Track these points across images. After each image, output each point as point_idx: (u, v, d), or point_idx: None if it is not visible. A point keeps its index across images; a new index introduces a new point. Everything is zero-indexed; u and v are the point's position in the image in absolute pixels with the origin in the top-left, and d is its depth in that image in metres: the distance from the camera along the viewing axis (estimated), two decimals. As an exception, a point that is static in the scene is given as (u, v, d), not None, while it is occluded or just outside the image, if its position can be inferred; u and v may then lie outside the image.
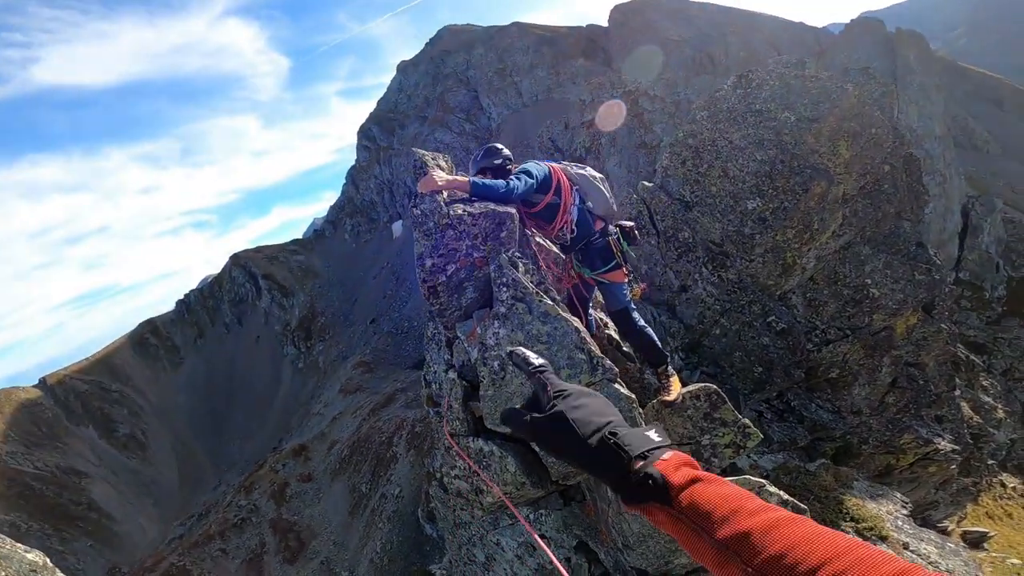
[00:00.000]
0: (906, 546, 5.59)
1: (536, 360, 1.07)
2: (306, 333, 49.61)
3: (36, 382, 50.91)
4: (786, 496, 4.16)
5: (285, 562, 27.41)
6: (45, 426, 45.42)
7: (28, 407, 46.50)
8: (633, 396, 3.39)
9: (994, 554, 11.19)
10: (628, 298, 4.43)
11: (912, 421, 7.72)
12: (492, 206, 4.06)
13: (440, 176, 3.90)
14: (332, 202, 66.89)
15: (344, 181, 63.87)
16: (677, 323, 6.44)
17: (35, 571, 4.04)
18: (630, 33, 46.80)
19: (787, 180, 7.23)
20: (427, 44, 66.06)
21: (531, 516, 4.68)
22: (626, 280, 4.44)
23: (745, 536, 0.69)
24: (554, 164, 4.40)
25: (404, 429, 28.71)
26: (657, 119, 30.88)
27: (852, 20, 32.30)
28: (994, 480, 17.00)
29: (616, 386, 3.34)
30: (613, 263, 4.28)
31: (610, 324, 4.98)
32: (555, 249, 4.75)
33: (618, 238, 4.35)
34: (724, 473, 4.42)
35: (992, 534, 13.44)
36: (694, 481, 0.80)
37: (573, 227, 4.25)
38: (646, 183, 8.70)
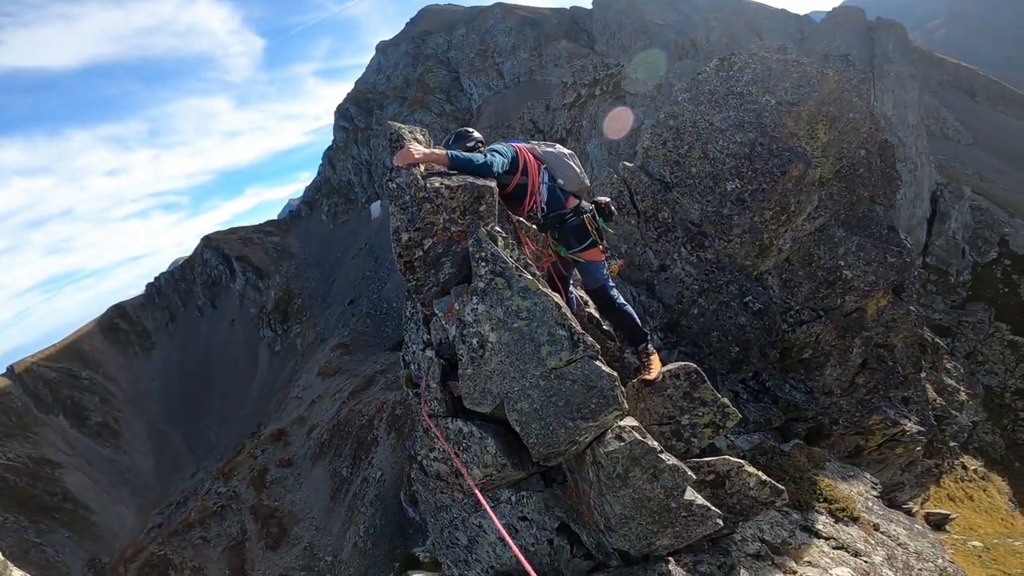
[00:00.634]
0: (876, 527, 5.74)
1: None
2: (283, 315, 48.84)
3: (3, 371, 49.31)
4: (764, 477, 4.22)
5: (268, 548, 27.26)
6: (15, 416, 44.14)
7: (-4, 396, 45.17)
8: (615, 374, 3.37)
9: (955, 536, 11.62)
10: (606, 276, 4.40)
11: (881, 402, 7.93)
12: (470, 179, 3.96)
13: (417, 149, 3.79)
14: (309, 183, 65.52)
15: (321, 161, 62.46)
16: (656, 303, 6.47)
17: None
18: (614, 16, 46.42)
19: (766, 162, 7.26)
20: (407, 24, 64.60)
21: (512, 498, 4.64)
22: (603, 258, 4.40)
23: None
24: (520, 144, 4.35)
25: (384, 412, 28.54)
26: (638, 102, 30.83)
27: (834, 8, 32.55)
28: (956, 462, 17.70)
29: (597, 363, 3.31)
30: (588, 241, 4.24)
31: (590, 303, 4.95)
32: (534, 227, 4.68)
33: (593, 215, 4.30)
34: (703, 453, 4.45)
35: (954, 516, 13.97)
36: None
37: (543, 205, 4.22)
38: (627, 164, 8.65)
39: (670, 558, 3.77)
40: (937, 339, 17.85)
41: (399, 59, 60.36)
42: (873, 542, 5.53)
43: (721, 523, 3.68)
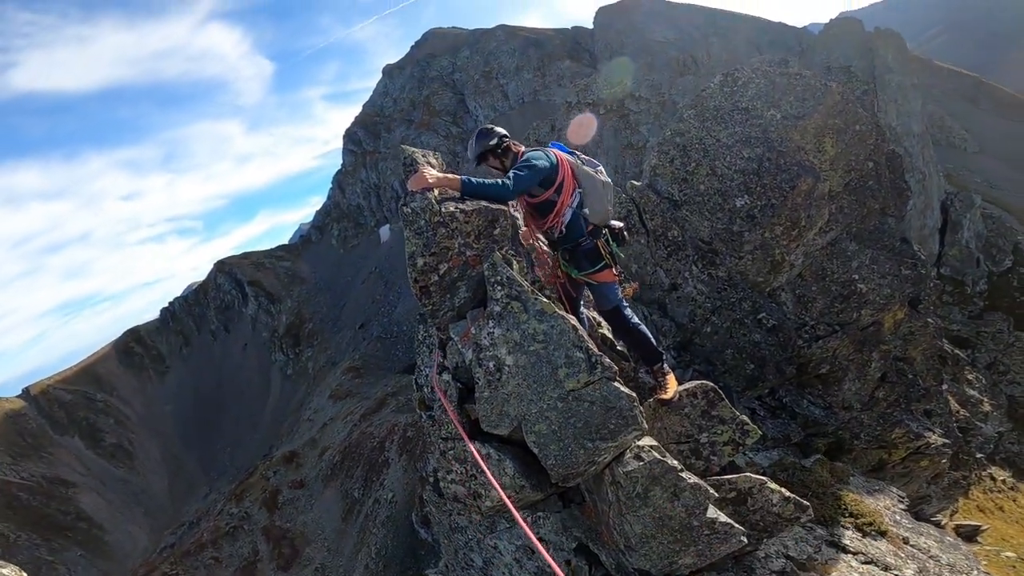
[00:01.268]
0: (906, 541, 5.59)
1: None
2: (294, 339, 49.17)
3: (20, 392, 50.04)
4: (787, 493, 4.14)
5: (279, 569, 27.17)
6: (30, 436, 44.69)
7: (12, 417, 45.73)
8: (633, 394, 3.36)
9: (988, 547, 11.28)
10: (620, 297, 4.33)
11: (903, 415, 7.79)
12: (484, 203, 4.00)
13: (431, 173, 3.84)
14: (318, 207, 66.38)
15: (330, 185, 63.30)
16: (669, 322, 6.45)
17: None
18: (615, 35, 47.12)
19: (774, 177, 7.27)
20: (412, 47, 65.93)
21: (529, 519, 4.61)
22: (616, 280, 4.31)
23: None
24: (564, 154, 4.16)
25: (396, 434, 28.53)
26: (643, 120, 31.07)
27: (831, 20, 32.77)
28: (983, 473, 17.22)
29: (616, 384, 3.30)
30: (601, 264, 4.16)
31: (603, 323, 4.94)
32: (543, 247, 4.67)
33: (607, 239, 4.22)
34: (723, 471, 4.39)
35: (985, 527, 13.55)
36: None
37: (563, 228, 4.13)
38: (635, 182, 8.70)
39: None
40: (957, 350, 17.56)
41: (405, 82, 61.48)
42: (903, 556, 5.38)
43: (745, 540, 3.62)
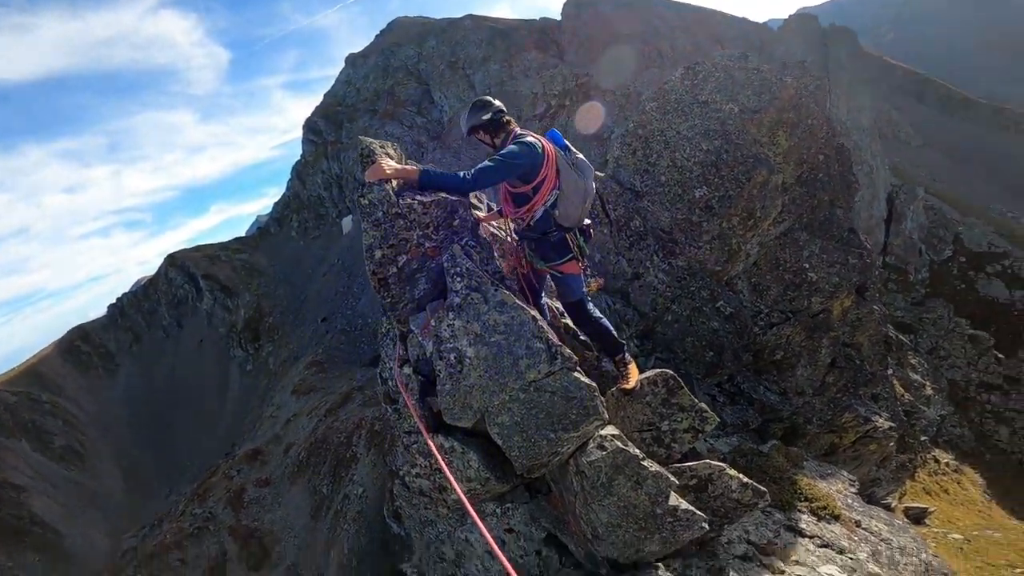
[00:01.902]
0: (858, 524, 5.84)
1: None
2: (253, 334, 47.67)
3: (-42, 396, 47.11)
4: (745, 479, 4.27)
5: (250, 569, 26.38)
6: (-27, 440, 42.14)
7: (-48, 422, 43.05)
8: (594, 384, 3.39)
9: (936, 529, 11.93)
10: (583, 291, 4.28)
11: (851, 400, 8.16)
12: (444, 194, 3.94)
13: (389, 164, 3.75)
14: (276, 199, 64.61)
15: (289, 176, 61.22)
16: (631, 310, 6.56)
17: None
18: (582, 26, 47.17)
19: (732, 169, 7.46)
20: (377, 36, 64.39)
21: (498, 510, 4.59)
22: (581, 272, 4.23)
23: None
24: (554, 149, 3.91)
25: (363, 428, 28.10)
26: (607, 111, 31.32)
27: (789, 16, 33.78)
28: (928, 456, 18.20)
29: (576, 375, 3.32)
30: (568, 256, 4.07)
31: (566, 315, 4.97)
32: (509, 236, 4.60)
33: (575, 233, 4.11)
34: (684, 458, 4.48)
35: (932, 510, 14.30)
36: None
37: (531, 223, 4.01)
38: (599, 173, 8.78)
39: (659, 564, 3.79)
40: (901, 336, 18.48)
41: (369, 71, 60.03)
42: (856, 539, 5.63)
43: (707, 526, 3.72)
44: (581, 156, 4.13)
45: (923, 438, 15.91)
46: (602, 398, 3.48)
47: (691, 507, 3.67)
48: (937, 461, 18.50)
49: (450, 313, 3.57)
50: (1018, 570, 13.05)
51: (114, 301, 58.52)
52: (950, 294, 24.61)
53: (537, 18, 58.81)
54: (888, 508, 8.78)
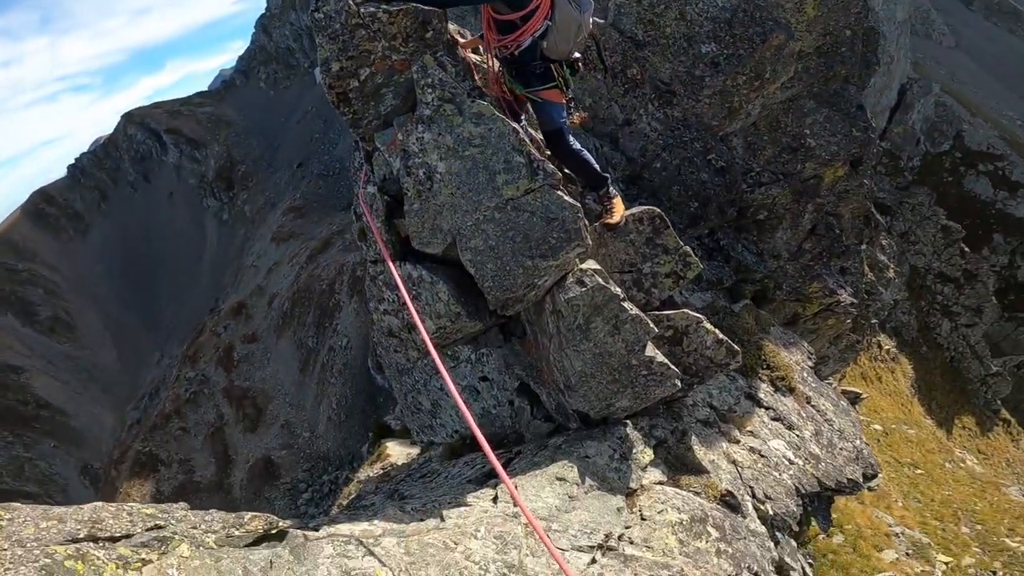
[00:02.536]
0: (808, 400, 6.04)
1: None
2: (227, 183, 46.20)
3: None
4: (721, 335, 4.19)
5: (247, 431, 27.48)
6: (-41, 322, 41.55)
7: (-68, 302, 42.19)
8: (577, 204, 3.15)
9: (862, 417, 12.78)
10: (564, 120, 4.01)
11: (822, 270, 8.29)
12: (416, 3, 3.42)
13: None
14: (241, 53, 60.30)
15: (254, 30, 57.17)
16: (619, 155, 6.25)
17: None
18: None
19: (746, 28, 6.83)
20: None
21: (472, 356, 4.53)
22: (563, 101, 3.94)
23: None
24: None
25: (345, 274, 27.67)
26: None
27: None
28: (873, 340, 19.20)
29: (559, 193, 3.07)
30: (552, 84, 3.77)
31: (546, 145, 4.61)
32: (491, 61, 4.12)
33: (561, 64, 3.79)
34: (663, 306, 4.35)
35: (864, 396, 15.07)
36: None
37: (515, 51, 3.64)
38: (597, 19, 7.90)
39: (627, 421, 3.81)
40: (878, 216, 18.56)
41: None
42: (805, 416, 5.80)
43: (680, 384, 3.67)
44: None
45: (874, 320, 16.67)
46: (586, 221, 3.26)
47: (666, 360, 3.59)
48: (880, 347, 19.62)
49: (419, 125, 3.20)
50: (919, 471, 14.30)
51: (72, 162, 55.69)
52: (935, 184, 24.59)
53: None
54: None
